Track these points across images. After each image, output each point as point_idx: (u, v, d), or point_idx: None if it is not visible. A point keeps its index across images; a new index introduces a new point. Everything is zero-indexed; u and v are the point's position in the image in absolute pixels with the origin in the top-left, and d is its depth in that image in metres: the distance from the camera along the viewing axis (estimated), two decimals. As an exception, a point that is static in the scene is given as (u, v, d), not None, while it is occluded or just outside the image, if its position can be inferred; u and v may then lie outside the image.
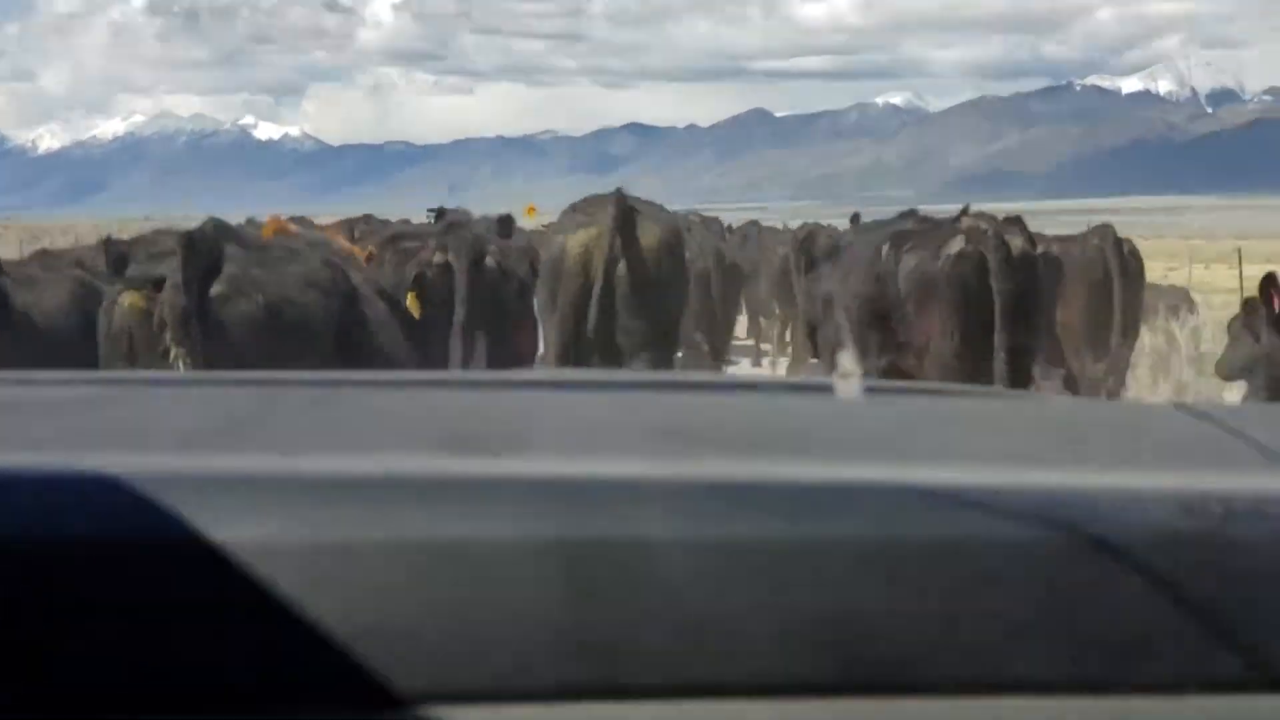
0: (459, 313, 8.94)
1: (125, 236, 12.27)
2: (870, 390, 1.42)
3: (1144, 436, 1.24)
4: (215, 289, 6.09)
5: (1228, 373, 9.73)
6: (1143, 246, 16.26)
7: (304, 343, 6.25)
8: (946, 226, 9.13)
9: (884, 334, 8.93)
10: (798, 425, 1.23)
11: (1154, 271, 18.68)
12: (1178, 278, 28.27)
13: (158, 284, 6.04)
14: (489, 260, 9.33)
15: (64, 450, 1.01)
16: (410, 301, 8.33)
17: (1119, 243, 12.20)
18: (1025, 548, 0.93)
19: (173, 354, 5.90)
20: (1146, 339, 14.30)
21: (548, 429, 1.17)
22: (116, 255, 9.86)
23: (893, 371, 8.89)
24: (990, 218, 9.95)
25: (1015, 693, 0.91)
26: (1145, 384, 13.80)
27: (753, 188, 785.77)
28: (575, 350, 9.31)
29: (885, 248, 9.30)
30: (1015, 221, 9.94)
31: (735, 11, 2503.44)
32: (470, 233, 9.80)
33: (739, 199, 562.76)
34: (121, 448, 1.02)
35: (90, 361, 6.61)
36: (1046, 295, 9.46)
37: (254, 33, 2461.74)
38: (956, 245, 8.63)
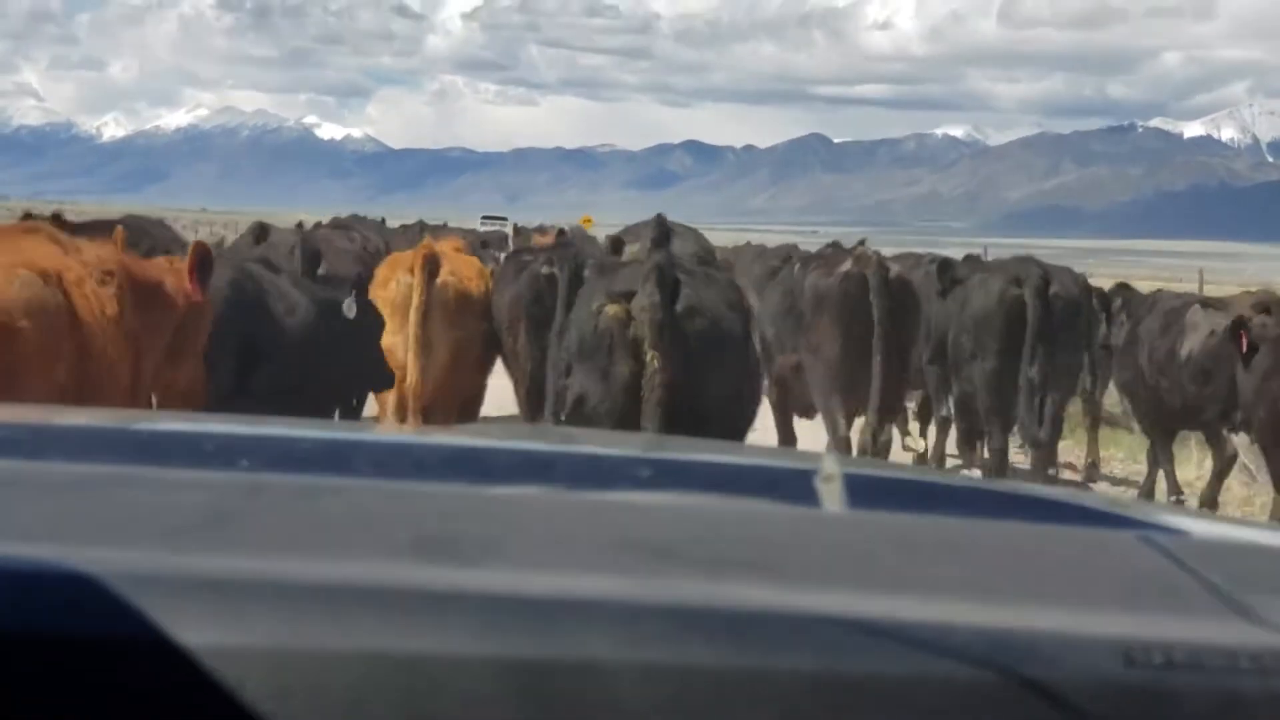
0: (559, 317, 9.88)
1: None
2: (851, 482, 1.47)
3: (1100, 573, 1.25)
4: (679, 306, 7.78)
5: None
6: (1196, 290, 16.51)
7: (731, 349, 7.95)
8: (843, 253, 11.15)
9: (794, 337, 10.88)
10: (765, 542, 1.24)
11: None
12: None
13: (628, 296, 7.78)
14: (587, 272, 10.18)
15: (45, 541, 1.02)
16: None
17: (1044, 284, 11.51)
18: (965, 687, 0.94)
19: (649, 355, 7.55)
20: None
21: (520, 538, 1.19)
22: (310, 251, 11.20)
23: (799, 368, 10.90)
24: (1032, 259, 11.90)
25: None
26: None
27: (806, 211, 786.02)
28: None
29: (796, 266, 11.51)
30: (1032, 261, 11.96)
31: (800, 35, 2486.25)
32: (573, 249, 11.29)
33: (792, 221, 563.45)
34: (100, 542, 1.04)
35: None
36: (917, 316, 11.16)
37: (322, 33, 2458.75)
38: (845, 266, 10.70)
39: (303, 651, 0.92)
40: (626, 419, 7.52)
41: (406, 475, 1.50)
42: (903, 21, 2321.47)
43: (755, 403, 8.53)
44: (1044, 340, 11.23)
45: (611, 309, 7.83)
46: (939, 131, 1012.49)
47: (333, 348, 8.64)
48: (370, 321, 9.15)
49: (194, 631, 0.91)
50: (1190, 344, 11.49)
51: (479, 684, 0.91)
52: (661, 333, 7.61)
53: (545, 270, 10.49)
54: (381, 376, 9.30)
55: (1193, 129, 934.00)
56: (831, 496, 1.42)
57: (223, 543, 1.09)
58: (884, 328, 10.27)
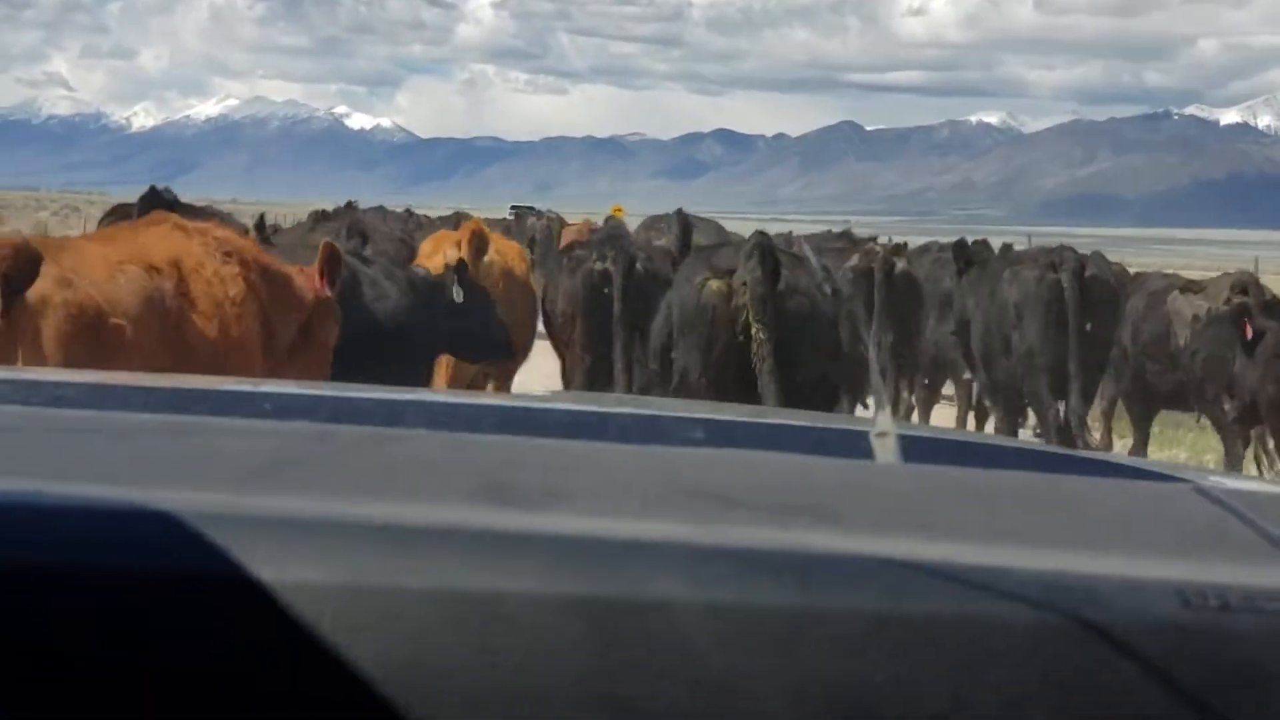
0: (616, 307, 10.49)
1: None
2: (905, 440, 1.45)
3: (1155, 522, 1.26)
4: (780, 286, 8.20)
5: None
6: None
7: (824, 331, 8.37)
8: (855, 246, 12.67)
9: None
10: (824, 491, 1.26)
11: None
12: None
13: (730, 272, 8.26)
14: (638, 265, 10.78)
15: (122, 482, 1.04)
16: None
17: (1080, 270, 11.27)
18: (1024, 628, 0.95)
19: (754, 329, 7.98)
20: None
21: (582, 484, 1.21)
22: (360, 233, 12.34)
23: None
24: (1067, 248, 11.81)
25: None
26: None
27: (839, 200, 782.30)
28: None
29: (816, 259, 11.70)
30: (1067, 250, 11.70)
31: (833, 21, 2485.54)
32: (623, 240, 12.08)
33: (824, 210, 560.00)
34: (178, 483, 1.06)
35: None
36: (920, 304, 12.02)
37: (352, 22, 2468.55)
38: (852, 261, 11.54)
39: (376, 588, 0.94)
40: (727, 391, 7.60)
41: (463, 430, 1.52)
42: (937, 7, 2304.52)
43: (841, 385, 8.70)
44: (1083, 325, 11.15)
45: (714, 284, 8.26)
46: (973, 118, 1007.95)
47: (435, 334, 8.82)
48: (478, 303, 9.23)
49: (271, 567, 0.94)
50: (1178, 328, 11.69)
51: (548, 620, 0.93)
52: (764, 306, 8.00)
53: (599, 266, 10.77)
54: (495, 346, 9.34)
55: (1229, 116, 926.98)
56: (886, 451, 1.43)
57: (294, 484, 1.12)
58: (883, 321, 11.20)
